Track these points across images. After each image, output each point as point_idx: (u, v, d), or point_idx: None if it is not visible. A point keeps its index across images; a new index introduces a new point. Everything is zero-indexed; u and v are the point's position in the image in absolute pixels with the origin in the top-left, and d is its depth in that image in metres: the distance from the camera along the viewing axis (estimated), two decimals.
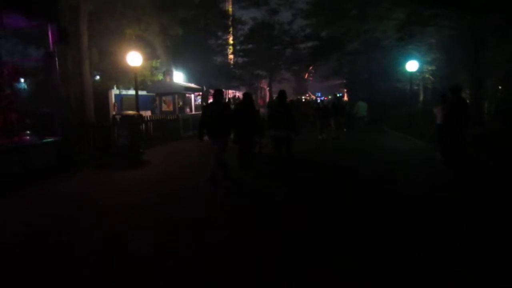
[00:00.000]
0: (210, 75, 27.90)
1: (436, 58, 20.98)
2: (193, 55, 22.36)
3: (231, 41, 35.77)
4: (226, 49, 33.90)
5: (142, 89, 17.75)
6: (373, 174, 8.34)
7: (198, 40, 24.16)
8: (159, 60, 17.58)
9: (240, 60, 39.01)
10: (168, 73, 16.48)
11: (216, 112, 7.28)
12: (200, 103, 24.73)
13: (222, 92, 7.90)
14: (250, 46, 36.39)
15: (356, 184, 7.36)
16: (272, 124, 7.92)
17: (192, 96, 18.25)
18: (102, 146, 10.35)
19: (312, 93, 68.42)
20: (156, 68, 17.75)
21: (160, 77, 17.58)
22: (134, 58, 13.32)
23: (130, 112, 10.92)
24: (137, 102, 13.58)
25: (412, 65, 17.51)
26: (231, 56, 39.17)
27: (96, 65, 15.79)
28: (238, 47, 36.30)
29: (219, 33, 30.89)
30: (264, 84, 51.76)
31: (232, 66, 36.19)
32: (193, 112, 18.17)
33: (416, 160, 10.04)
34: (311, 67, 59.80)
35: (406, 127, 17.15)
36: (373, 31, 19.58)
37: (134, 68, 13.57)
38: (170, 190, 7.07)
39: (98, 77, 18.08)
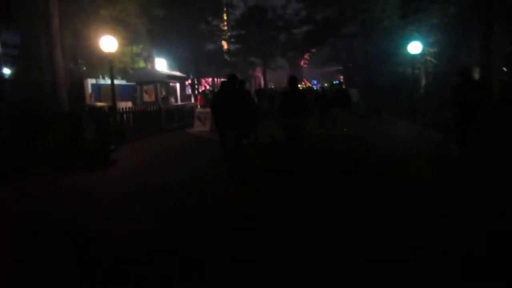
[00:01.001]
0: (200, 62, 26.43)
1: (438, 40, 19.64)
2: (179, 41, 20.88)
3: (224, 28, 34.21)
4: (217, 35, 32.19)
5: (122, 78, 16.37)
6: (389, 176, 6.97)
7: (186, 25, 22.63)
8: (140, 46, 16.11)
9: (232, 47, 37.48)
10: (149, 59, 15.07)
11: (229, 100, 6.76)
12: (190, 92, 23.38)
13: (235, 78, 7.30)
14: (242, 32, 34.77)
15: (370, 188, 6.09)
16: (284, 112, 7.44)
17: (177, 85, 16.85)
18: (66, 143, 8.95)
19: (308, 81, 66.88)
20: (138, 55, 16.31)
21: (142, 64, 16.16)
22: (108, 43, 11.98)
23: (99, 103, 9.57)
24: (113, 91, 12.26)
25: (414, 47, 16.20)
26: (224, 43, 37.61)
27: (70, 50, 14.31)
28: (229, 33, 34.66)
29: (209, 18, 29.24)
30: (258, 72, 50.20)
31: (224, 53, 34.59)
32: (179, 103, 16.80)
33: (434, 156, 8.53)
34: (306, 54, 58.29)
35: (409, 114, 15.93)
36: (371, 10, 18.19)
37: (109, 54, 12.21)
38: (127, 208, 5.34)
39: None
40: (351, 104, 12.50)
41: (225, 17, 35.47)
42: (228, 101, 6.78)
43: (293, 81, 7.78)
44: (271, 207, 5.13)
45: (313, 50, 49.13)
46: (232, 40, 35.80)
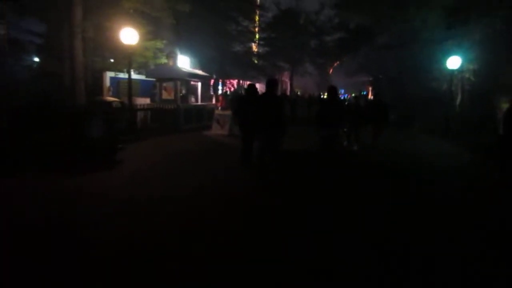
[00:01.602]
0: (226, 63, 25.82)
1: (478, 57, 18.35)
2: (205, 39, 20.28)
3: (254, 29, 33.53)
4: (246, 37, 31.52)
5: (142, 73, 15.86)
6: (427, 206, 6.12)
7: (213, 23, 22.05)
8: (163, 41, 15.58)
9: (261, 49, 36.80)
10: (172, 56, 14.43)
11: (270, 105, 6.56)
12: (213, 93, 22.75)
13: (277, 82, 7.12)
14: (272, 35, 34.03)
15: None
16: (321, 123, 7.34)
17: (199, 84, 16.21)
18: (69, 140, 8.34)
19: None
20: (161, 50, 15.79)
21: (164, 60, 15.61)
22: (128, 35, 11.49)
23: (109, 98, 8.97)
24: (130, 86, 11.72)
25: (454, 62, 15.05)
26: (254, 46, 36.96)
27: (91, 42, 13.90)
28: (259, 35, 33.98)
29: (239, 18, 28.61)
30: (285, 77, 49.35)
31: (252, 55, 33.90)
32: (199, 102, 16.15)
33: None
34: (336, 63, 57.06)
35: (442, 132, 14.79)
36: (410, 20, 17.12)
37: (129, 47, 11.68)
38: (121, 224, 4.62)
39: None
40: (387, 117, 10.87)
41: (257, 19, 34.73)
42: (269, 106, 6.56)
43: (333, 91, 7.58)
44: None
45: (344, 59, 48.01)
46: (262, 42, 35.06)
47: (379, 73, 35.76)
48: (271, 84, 6.80)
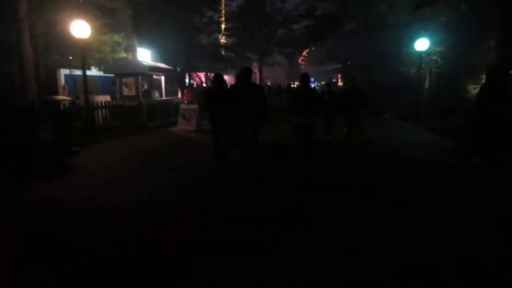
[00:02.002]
0: (192, 56, 24.90)
1: (445, 39, 18.34)
2: (169, 32, 19.33)
3: (219, 20, 32.61)
4: (211, 28, 30.57)
5: (101, 69, 14.86)
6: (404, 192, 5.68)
7: (177, 15, 21.11)
8: (122, 34, 14.61)
9: (228, 40, 35.94)
10: (130, 49, 13.48)
11: (248, 95, 6.53)
12: (179, 87, 21.79)
13: (251, 71, 7.02)
14: (238, 25, 33.23)
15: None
16: (295, 111, 7.26)
17: (162, 78, 15.34)
18: (15, 144, 7.42)
19: None
20: (119, 44, 14.81)
21: (124, 54, 14.65)
22: (80, 29, 10.54)
23: (59, 96, 8.11)
24: (86, 83, 10.82)
25: (422, 44, 14.89)
26: (221, 37, 36.04)
27: (41, 38, 12.82)
28: (225, 26, 33.10)
29: (203, 9, 27.66)
30: (255, 68, 48.68)
31: (219, 47, 33.01)
32: (164, 97, 15.32)
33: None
34: (305, 51, 56.87)
35: (414, 118, 14.64)
36: (377, 4, 16.85)
37: (81, 41, 10.75)
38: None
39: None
40: (367, 104, 10.11)
41: (223, 8, 33.79)
42: (248, 96, 6.48)
43: (306, 78, 7.46)
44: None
45: (312, 48, 47.82)
46: (228, 33, 34.19)
47: (347, 61, 35.75)
48: (247, 73, 6.72)
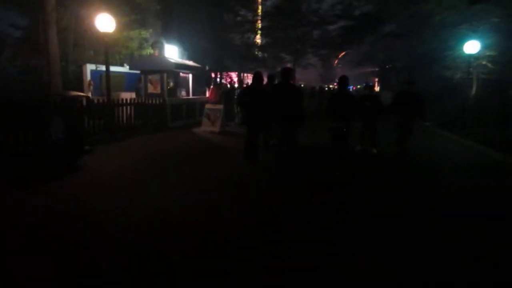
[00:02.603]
0: (223, 54, 24.33)
1: (496, 42, 16.77)
2: (200, 29, 18.80)
3: (253, 19, 31.91)
4: (245, 27, 29.90)
5: (124, 66, 14.46)
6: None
7: (209, 12, 20.57)
8: (150, 30, 14.17)
9: (261, 41, 35.21)
10: (157, 45, 12.99)
11: (286, 95, 6.38)
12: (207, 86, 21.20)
13: (291, 70, 7.14)
14: (273, 25, 32.40)
15: None
16: (330, 115, 6.98)
17: (190, 76, 14.78)
18: (26, 141, 6.93)
19: None
20: (147, 40, 14.38)
21: (151, 51, 14.20)
22: (104, 22, 10.10)
23: (74, 92, 7.61)
24: (108, 80, 10.36)
25: (471, 46, 13.52)
26: (256, 37, 35.36)
27: (68, 32, 12.54)
28: (259, 25, 32.37)
29: (237, 8, 27.05)
30: None
31: (252, 46, 32.31)
32: (190, 96, 14.74)
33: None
34: (341, 54, 55.24)
35: (458, 127, 13.28)
36: (422, 2, 15.61)
37: (106, 36, 10.29)
38: None
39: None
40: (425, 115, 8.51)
41: (259, 9, 33.09)
42: (288, 96, 6.34)
43: (344, 80, 7.15)
44: None
45: (348, 51, 46.30)
46: (261, 32, 33.42)
47: (386, 63, 34.19)
48: (287, 73, 6.55)
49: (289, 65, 42.79)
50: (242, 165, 7.26)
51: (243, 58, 28.89)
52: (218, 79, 25.05)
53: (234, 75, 31.17)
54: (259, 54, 34.01)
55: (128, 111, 11.26)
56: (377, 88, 39.73)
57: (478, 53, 15.02)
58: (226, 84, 20.10)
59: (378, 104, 8.89)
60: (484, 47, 16.40)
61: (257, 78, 7.65)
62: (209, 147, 9.48)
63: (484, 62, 17.82)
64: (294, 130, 6.54)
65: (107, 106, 10.14)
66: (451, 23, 16.86)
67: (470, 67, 14.12)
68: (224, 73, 28.22)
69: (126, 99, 11.19)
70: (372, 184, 6.27)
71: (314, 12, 33.06)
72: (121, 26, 12.28)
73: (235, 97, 14.51)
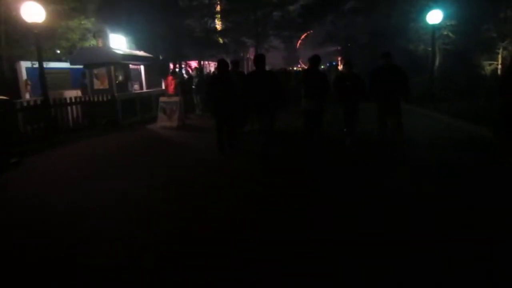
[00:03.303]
0: (180, 42, 22.99)
1: (457, 12, 16.46)
2: (151, 16, 17.41)
3: (212, 3, 30.49)
4: (201, 11, 28.42)
5: (63, 60, 13.04)
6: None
7: None
8: (92, 19, 12.79)
9: (221, 25, 33.89)
10: (100, 35, 11.70)
11: (263, 82, 6.38)
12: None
13: (264, 57, 6.72)
14: (231, 8, 31.12)
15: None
16: (304, 95, 7.03)
17: (142, 68, 13.56)
18: None
19: (304, 63, 63.34)
20: (90, 31, 13.01)
21: (95, 42, 12.86)
22: (32, 12, 8.84)
23: None
24: (42, 77, 9.25)
25: (434, 16, 13.06)
26: (216, 23, 33.93)
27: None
28: (216, 9, 31.00)
29: None
30: (252, 54, 46.59)
31: (210, 32, 30.94)
32: (144, 90, 13.57)
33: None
34: (303, 35, 54.54)
35: (428, 101, 12.88)
36: None
37: (36, 27, 9.00)
38: None
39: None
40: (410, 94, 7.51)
41: None
42: (264, 83, 6.34)
43: (316, 60, 7.14)
44: None
45: (310, 31, 45.67)
46: (220, 16, 32.07)
47: (348, 41, 33.74)
48: (260, 60, 6.49)
49: (251, 49, 41.81)
50: (208, 163, 6.50)
51: (202, 45, 27.54)
52: (176, 69, 23.71)
53: (194, 64, 29.79)
54: (220, 40, 32.66)
55: (73, 111, 10.08)
56: (341, 67, 39.44)
57: (439, 23, 14.65)
58: (182, 74, 18.90)
59: (361, 84, 7.42)
60: (445, 17, 16.07)
61: (222, 65, 7.21)
62: (164, 145, 8.50)
63: (445, 33, 17.56)
64: (273, 117, 6.56)
65: (42, 108, 8.93)
66: None
67: (434, 38, 13.61)
68: (183, 62, 26.81)
69: (70, 98, 9.98)
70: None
71: None
72: (57, 15, 10.90)
73: (193, 86, 13.50)
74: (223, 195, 4.75)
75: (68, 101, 9.85)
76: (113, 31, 12.31)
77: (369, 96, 7.25)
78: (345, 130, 7.63)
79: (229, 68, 7.61)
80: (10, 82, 11.93)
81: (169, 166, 6.41)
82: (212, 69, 27.39)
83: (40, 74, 9.25)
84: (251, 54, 46.84)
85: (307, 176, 5.53)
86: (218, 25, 34.74)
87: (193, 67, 22.06)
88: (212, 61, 37.49)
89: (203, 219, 3.99)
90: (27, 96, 11.65)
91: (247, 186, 5.11)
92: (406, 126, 7.23)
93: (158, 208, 4.36)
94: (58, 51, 13.21)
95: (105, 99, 10.86)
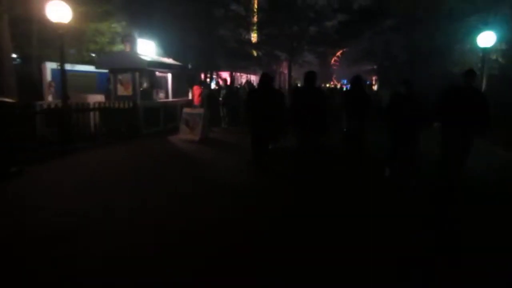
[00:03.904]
0: (213, 52, 22.60)
1: (507, 35, 15.25)
2: (183, 25, 17.04)
3: (246, 14, 30.15)
4: (236, 22, 28.02)
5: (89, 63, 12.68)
6: None
7: (196, 7, 18.83)
8: (122, 23, 12.46)
9: (255, 38, 33.49)
10: (128, 39, 11.28)
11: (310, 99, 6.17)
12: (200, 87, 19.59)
13: (315, 74, 6.42)
14: (267, 21, 30.69)
15: None
16: (347, 114, 6.92)
17: (169, 75, 13.07)
18: None
19: (337, 80, 62.14)
20: (120, 35, 12.70)
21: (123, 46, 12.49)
22: (57, 11, 8.53)
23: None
24: (64, 80, 8.88)
25: (486, 38, 11.93)
26: (251, 35, 33.57)
27: (22, 25, 10.87)
28: (252, 21, 30.62)
29: (226, 1, 25.24)
30: (285, 69, 45.95)
31: (244, 43, 30.55)
32: (170, 98, 13.08)
33: None
34: (339, 53, 53.53)
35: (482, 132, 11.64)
36: None
37: (60, 27, 8.65)
38: None
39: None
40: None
41: (255, 3, 31.36)
42: (312, 101, 6.16)
43: (359, 79, 7.08)
44: None
45: (346, 48, 44.75)
46: (254, 28, 31.66)
47: (385, 60, 32.56)
48: (310, 77, 6.25)
49: (284, 63, 41.18)
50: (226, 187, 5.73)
51: (234, 56, 27.12)
52: (207, 79, 23.29)
53: (225, 75, 29.39)
54: (254, 52, 32.22)
55: (91, 118, 9.62)
56: (375, 87, 38.12)
57: (490, 47, 13.51)
58: (209, 84, 18.38)
59: (420, 109, 5.78)
60: (496, 40, 14.92)
61: (266, 80, 6.84)
62: (180, 162, 7.81)
63: (495, 57, 16.31)
64: (317, 137, 6.36)
65: (59, 113, 8.50)
66: (458, 15, 15.31)
67: (483, 62, 12.50)
68: (214, 72, 26.40)
69: (87, 104, 9.54)
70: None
71: (310, 7, 31.34)
72: (86, 17, 10.59)
73: (221, 98, 12.91)
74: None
75: (85, 106, 9.39)
76: (143, 36, 11.90)
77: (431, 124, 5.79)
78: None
79: (272, 83, 7.17)
80: (37, 83, 11.70)
81: (172, 193, 5.51)
82: (243, 81, 26.78)
83: (63, 76, 8.89)
84: (284, 68, 46.20)
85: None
86: (253, 37, 34.39)
87: (223, 78, 21.56)
88: (244, 73, 37.10)
89: None
90: (50, 98, 11.36)
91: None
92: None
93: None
94: (93, 54, 12.91)
95: (126, 106, 10.37)
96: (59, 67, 11.28)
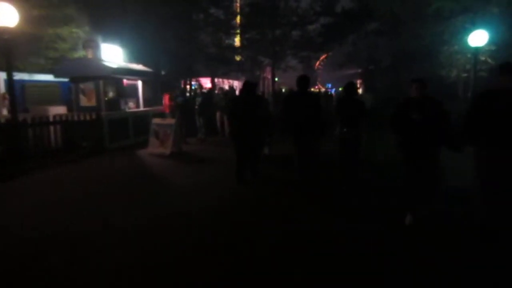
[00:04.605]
0: (192, 57, 21.62)
1: (497, 35, 14.72)
2: (161, 30, 16.02)
3: (227, 18, 29.33)
4: (215, 27, 27.08)
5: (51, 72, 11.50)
6: None
7: (174, 11, 17.81)
8: (85, 28, 11.39)
9: (238, 42, 32.69)
10: (90, 45, 10.21)
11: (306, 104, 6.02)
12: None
13: (308, 78, 6.32)
14: (248, 25, 29.93)
15: None
16: (341, 122, 6.18)
17: (139, 83, 12.02)
18: None
19: (322, 84, 61.72)
20: (83, 40, 11.60)
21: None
22: (3, 14, 7.52)
23: None
24: (12, 91, 7.74)
25: (478, 37, 11.25)
26: (236, 39, 32.77)
27: None
28: (233, 26, 29.81)
29: (204, 5, 24.29)
30: (268, 74, 45.21)
31: (227, 48, 29.69)
32: (141, 108, 12.03)
33: None
34: (323, 57, 53.13)
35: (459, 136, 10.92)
36: None
37: (6, 32, 7.63)
38: None
39: None
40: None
41: (237, 7, 30.61)
42: (304, 107, 5.98)
43: (352, 86, 6.47)
44: None
45: (330, 52, 44.29)
46: (237, 32, 30.84)
47: (369, 64, 32.13)
48: (303, 81, 6.17)
49: (267, 68, 40.44)
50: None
51: (215, 61, 26.19)
52: (186, 86, 22.26)
53: (205, 81, 28.45)
54: (237, 57, 31.37)
55: (52, 132, 8.55)
56: (359, 90, 37.63)
57: (479, 47, 12.91)
58: (184, 91, 17.33)
59: (443, 119, 4.29)
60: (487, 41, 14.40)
61: (248, 87, 6.65)
62: (145, 182, 6.78)
63: (483, 58, 15.75)
64: (316, 145, 6.21)
65: (7, 128, 7.41)
66: (447, 14, 14.69)
67: (476, 62, 11.87)
68: (194, 79, 25.38)
69: (46, 117, 8.47)
70: None
71: (292, 11, 30.69)
72: (44, 21, 9.54)
73: (196, 107, 11.92)
74: None
75: (42, 120, 8.31)
76: (108, 41, 10.85)
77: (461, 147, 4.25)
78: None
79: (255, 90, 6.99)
80: None
81: (124, 225, 4.53)
82: (226, 87, 25.84)
83: (10, 87, 7.81)
84: (267, 73, 45.48)
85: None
86: (236, 41, 33.61)
87: (200, 84, 20.59)
88: (226, 78, 36.21)
89: None
90: (4, 111, 10.21)
91: None
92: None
93: None
94: (43, 62, 11.72)
95: (88, 118, 9.29)
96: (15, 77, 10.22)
